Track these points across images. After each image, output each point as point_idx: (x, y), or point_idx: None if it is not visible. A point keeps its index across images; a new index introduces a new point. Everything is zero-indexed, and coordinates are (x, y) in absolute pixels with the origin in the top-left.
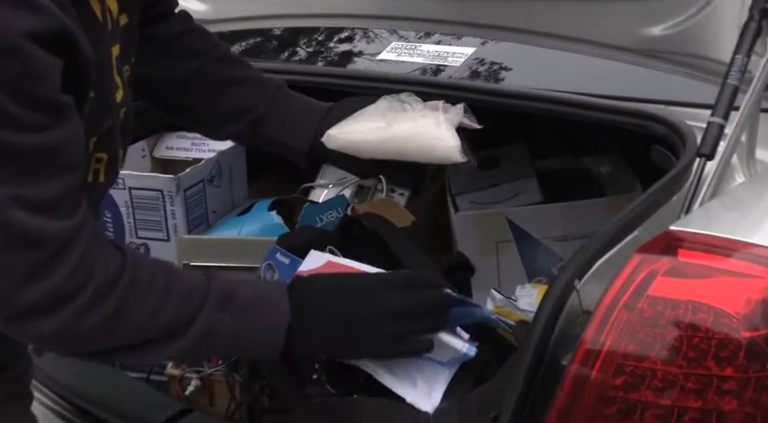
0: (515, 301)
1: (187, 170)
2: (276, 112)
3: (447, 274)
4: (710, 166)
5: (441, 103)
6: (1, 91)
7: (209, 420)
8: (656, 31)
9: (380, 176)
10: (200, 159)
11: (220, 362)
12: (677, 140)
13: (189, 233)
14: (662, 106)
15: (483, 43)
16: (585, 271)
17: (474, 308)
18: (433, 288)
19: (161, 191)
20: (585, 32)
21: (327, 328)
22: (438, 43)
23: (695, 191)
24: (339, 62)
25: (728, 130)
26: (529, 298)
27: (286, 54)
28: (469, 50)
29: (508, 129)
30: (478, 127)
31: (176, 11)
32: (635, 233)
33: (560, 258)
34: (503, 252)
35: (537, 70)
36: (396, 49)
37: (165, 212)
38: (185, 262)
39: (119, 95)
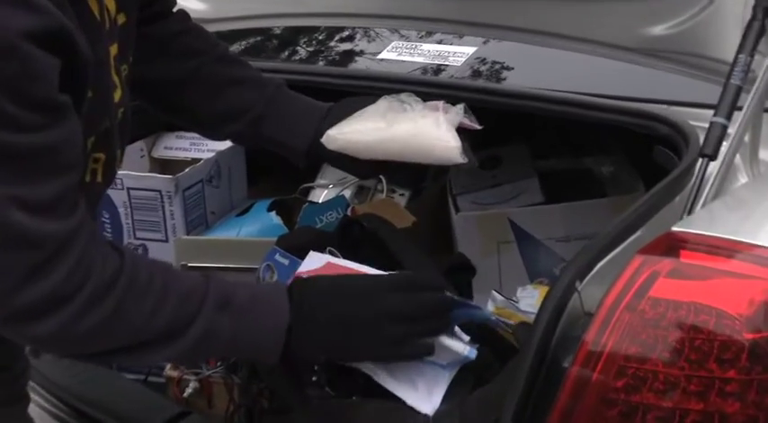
0: (516, 302)
1: (186, 170)
2: (275, 112)
3: (448, 274)
4: (713, 167)
5: (441, 104)
6: None
7: None
8: (659, 30)
9: (381, 177)
10: (199, 159)
11: (219, 363)
12: (680, 141)
13: (187, 234)
14: (664, 106)
15: (484, 43)
16: (587, 272)
17: (474, 310)
18: (434, 290)
19: (159, 191)
20: (587, 32)
21: (327, 330)
22: (439, 43)
23: (698, 191)
24: (339, 61)
25: (731, 131)
26: (530, 299)
27: (286, 53)
28: (470, 50)
29: (509, 129)
30: (479, 127)
31: (174, 10)
32: (637, 234)
33: (562, 259)
34: (504, 253)
35: (538, 70)
36: (396, 48)
37: (164, 213)
38: (184, 263)
39: (117, 95)
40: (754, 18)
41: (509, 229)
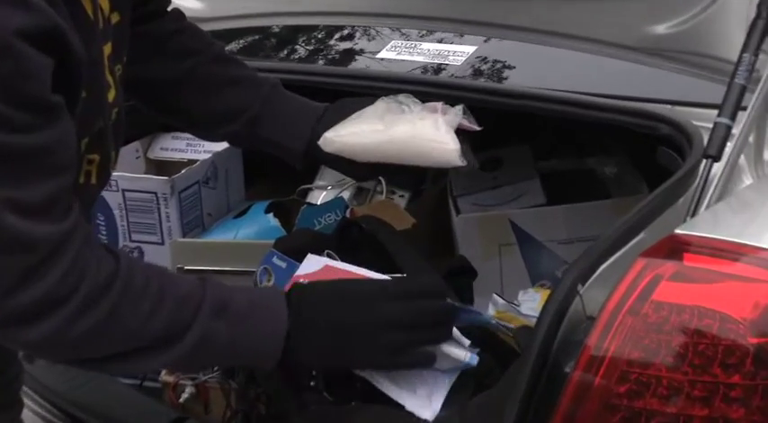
0: (518, 305)
1: (182, 172)
2: (271, 112)
3: (448, 278)
4: (717, 168)
5: (440, 105)
6: None
7: None
8: (662, 29)
9: (380, 178)
10: (196, 161)
11: (215, 368)
12: (683, 141)
13: (184, 236)
14: (668, 106)
15: (485, 42)
16: (589, 275)
17: (475, 315)
18: (435, 298)
19: (155, 193)
20: (589, 31)
21: (326, 337)
22: (439, 42)
23: (701, 193)
24: (338, 61)
25: (736, 131)
26: (532, 303)
27: (284, 52)
28: (471, 49)
29: (510, 129)
30: (478, 129)
31: (169, 9)
32: (640, 236)
33: (564, 262)
34: (505, 255)
35: (540, 69)
36: (396, 47)
37: (160, 215)
38: (180, 266)
39: (111, 95)
40: (758, 16)
41: (510, 232)
